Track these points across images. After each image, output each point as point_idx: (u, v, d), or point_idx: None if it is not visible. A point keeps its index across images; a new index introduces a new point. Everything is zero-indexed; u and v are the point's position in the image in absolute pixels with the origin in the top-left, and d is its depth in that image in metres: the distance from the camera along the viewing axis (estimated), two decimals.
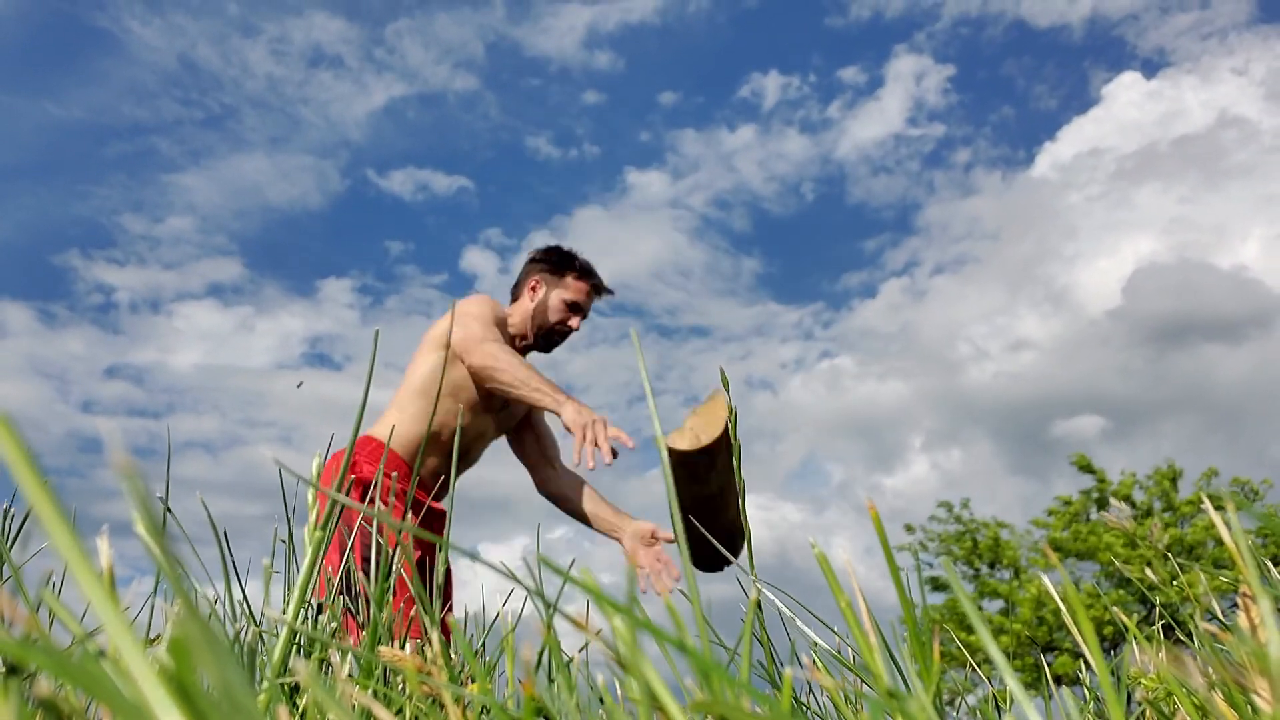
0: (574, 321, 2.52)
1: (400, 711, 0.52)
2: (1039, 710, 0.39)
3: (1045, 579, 0.54)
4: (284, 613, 0.58)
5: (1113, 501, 0.73)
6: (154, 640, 0.55)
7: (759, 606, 0.57)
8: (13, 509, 0.77)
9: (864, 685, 0.51)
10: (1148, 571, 0.73)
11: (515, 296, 2.57)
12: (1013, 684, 0.38)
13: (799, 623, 0.60)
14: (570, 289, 2.51)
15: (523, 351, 2.53)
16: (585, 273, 2.54)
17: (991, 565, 16.23)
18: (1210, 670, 0.46)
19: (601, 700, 0.57)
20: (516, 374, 2.21)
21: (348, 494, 2.12)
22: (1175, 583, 0.71)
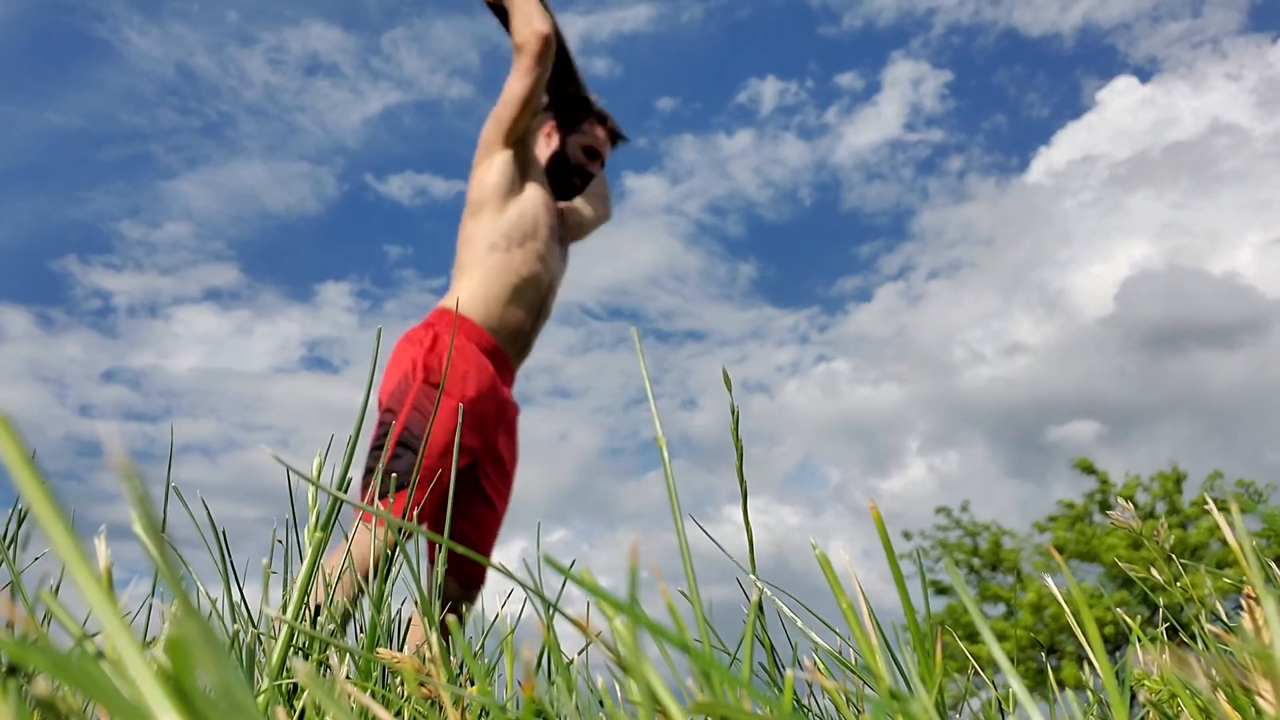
0: (595, 166, 2.45)
1: (399, 713, 0.52)
2: (1043, 713, 0.39)
3: (1049, 581, 0.53)
4: (283, 613, 0.58)
5: (1119, 502, 0.73)
6: (152, 641, 0.55)
7: (760, 608, 0.57)
8: (13, 509, 0.77)
9: (866, 687, 0.51)
10: (1152, 572, 0.73)
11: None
12: (1017, 686, 0.38)
13: (799, 624, 0.60)
14: (588, 135, 2.43)
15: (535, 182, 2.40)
16: (601, 119, 2.47)
17: (993, 569, 16.20)
18: (1214, 672, 0.46)
19: (602, 702, 0.57)
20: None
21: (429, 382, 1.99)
22: (1179, 584, 0.71)
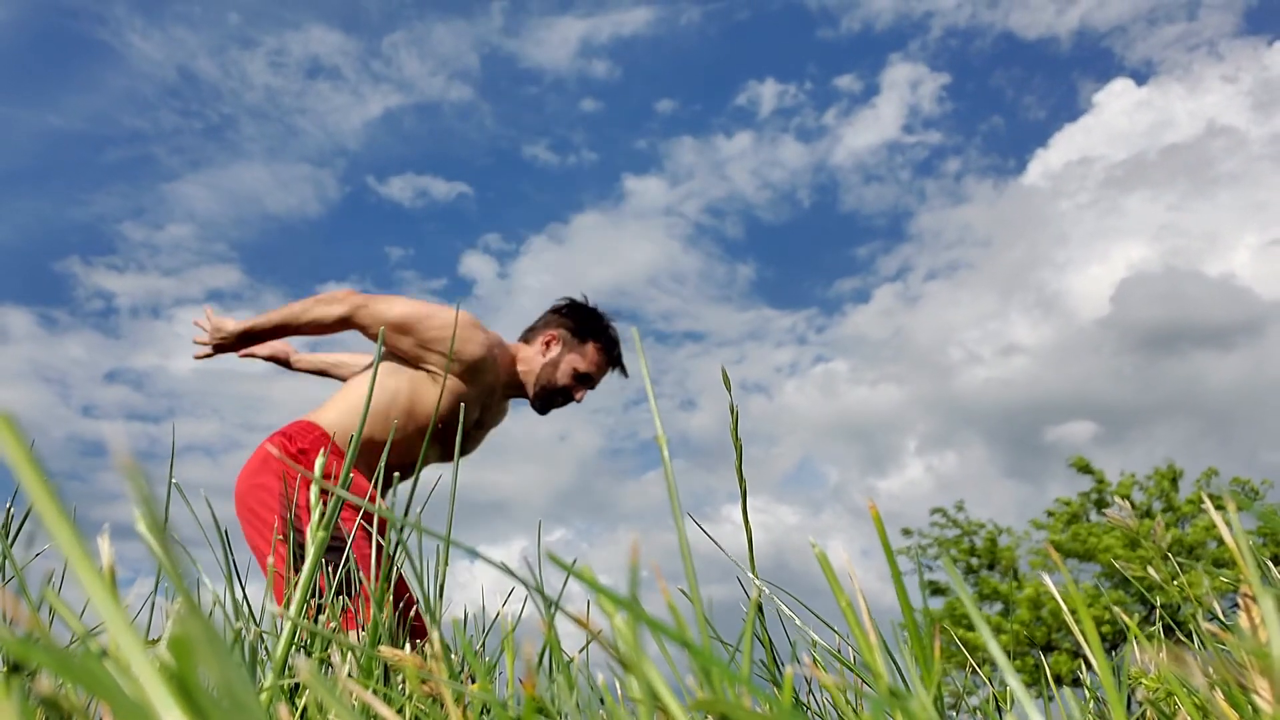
0: (580, 394, 2.27)
1: (401, 710, 0.52)
2: (1039, 710, 0.39)
3: (1047, 579, 0.54)
4: (285, 610, 0.58)
5: (1115, 500, 0.73)
6: (155, 640, 0.55)
7: (760, 606, 0.57)
8: (14, 508, 0.77)
9: (864, 685, 0.51)
10: (1149, 571, 0.73)
11: (527, 340, 2.32)
12: (1014, 684, 0.38)
13: (798, 622, 0.60)
14: (587, 358, 2.27)
15: (511, 396, 2.30)
16: (609, 345, 2.28)
17: (990, 567, 16.23)
18: (1211, 670, 0.46)
19: (602, 700, 0.57)
20: (300, 305, 2.04)
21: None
22: (1176, 583, 0.71)
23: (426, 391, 2.17)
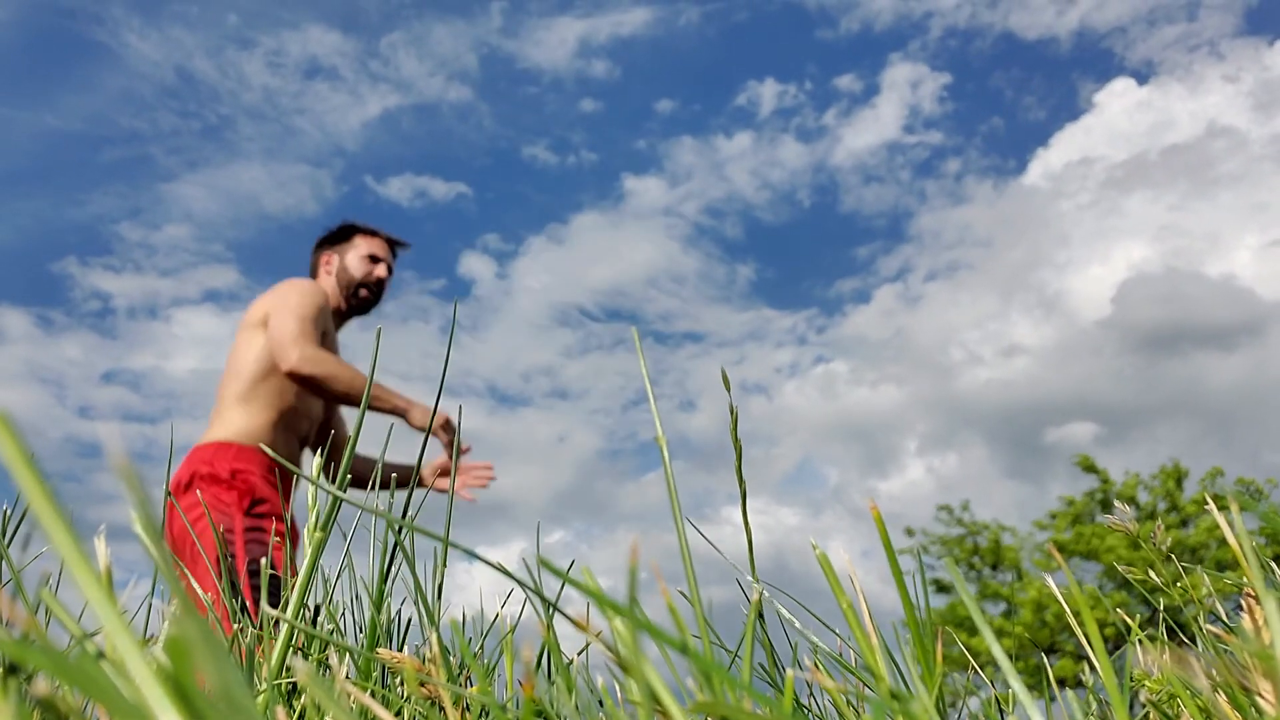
0: (380, 269, 2.55)
1: (399, 713, 0.52)
2: (1042, 712, 0.39)
3: (1049, 580, 0.53)
4: (283, 613, 0.58)
5: (1116, 504, 0.73)
6: (152, 641, 0.55)
7: (760, 608, 0.57)
8: (10, 509, 0.77)
9: (865, 688, 0.51)
10: (1150, 574, 0.73)
11: (316, 278, 2.56)
12: (1017, 686, 0.38)
13: (798, 624, 0.60)
14: (363, 246, 2.57)
15: (343, 321, 2.55)
16: (368, 229, 2.59)
17: (993, 567, 16.23)
18: (1214, 672, 0.46)
19: (601, 702, 0.57)
20: (349, 380, 2.18)
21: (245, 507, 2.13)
22: (1179, 584, 0.71)
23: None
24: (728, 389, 0.58)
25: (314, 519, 0.60)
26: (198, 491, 2.15)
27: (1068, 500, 16.16)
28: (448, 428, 2.32)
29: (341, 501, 0.59)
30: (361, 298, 2.54)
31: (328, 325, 2.41)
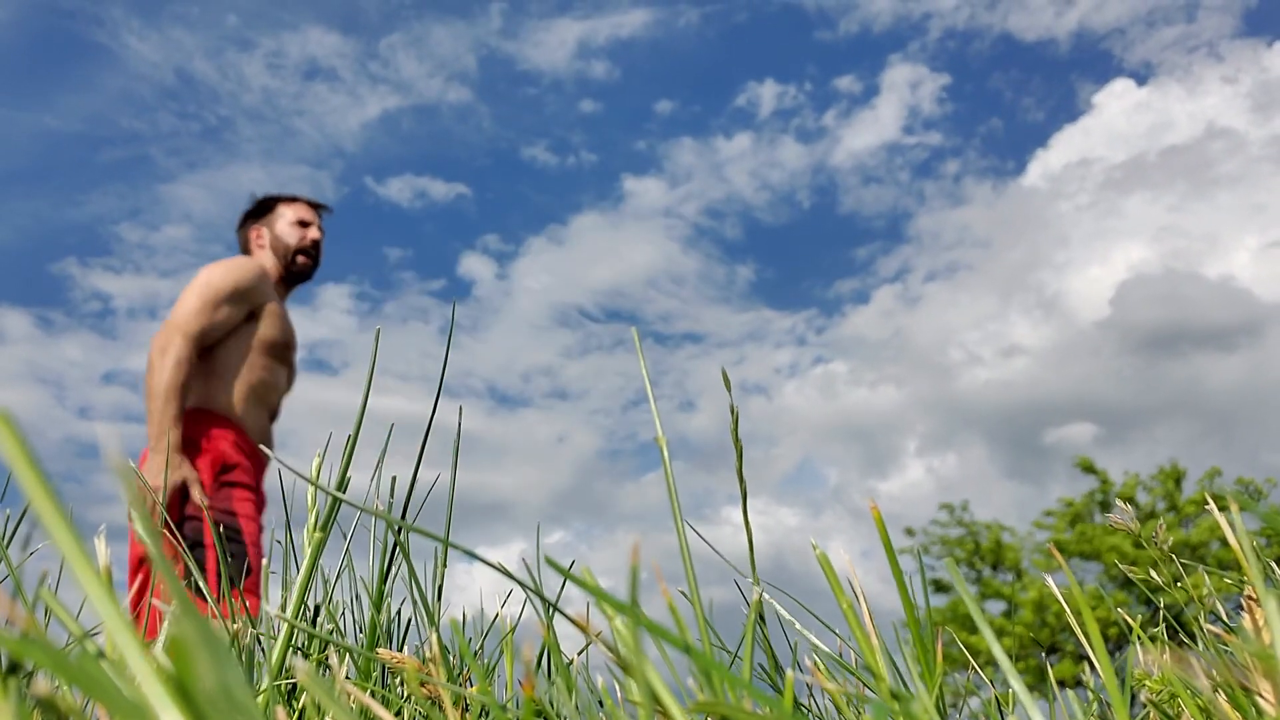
0: (312, 232, 2.59)
1: (399, 713, 0.52)
2: (1042, 712, 0.39)
3: (1049, 580, 0.53)
4: (283, 612, 0.58)
5: (1117, 503, 0.73)
6: (151, 641, 0.55)
7: (760, 608, 0.57)
8: (9, 508, 0.77)
9: (866, 688, 0.51)
10: (1151, 574, 0.73)
11: (250, 253, 2.58)
12: (1017, 685, 0.38)
13: (798, 625, 0.60)
14: (287, 214, 2.60)
15: (287, 291, 2.57)
16: (289, 196, 2.63)
17: (994, 567, 16.23)
18: (1215, 672, 0.46)
19: (601, 702, 0.57)
20: (162, 405, 2.15)
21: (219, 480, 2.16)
22: (1179, 584, 0.71)
23: (250, 334, 2.41)
24: (728, 389, 0.58)
25: (313, 519, 0.60)
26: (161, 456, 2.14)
27: (1066, 502, 16.16)
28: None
29: (341, 501, 0.59)
30: (300, 263, 2.57)
31: (266, 298, 2.44)
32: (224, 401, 2.32)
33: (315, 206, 2.66)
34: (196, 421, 2.27)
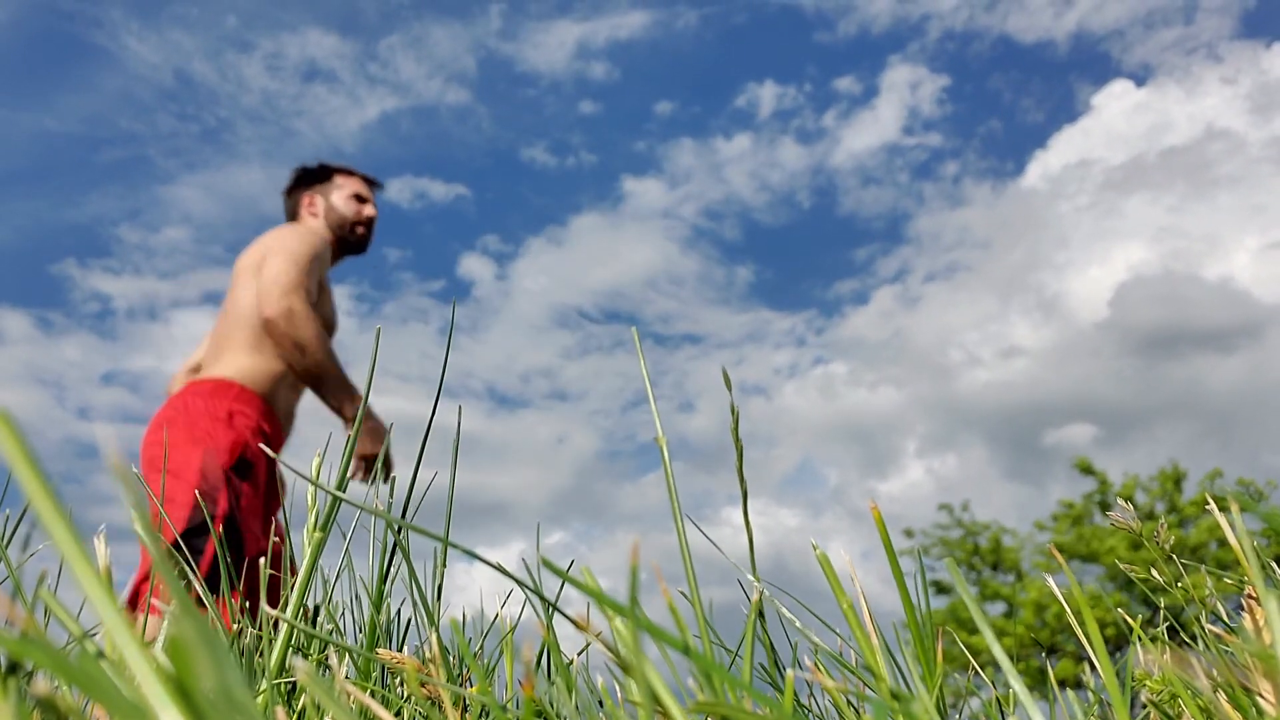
0: (368, 209, 2.53)
1: (399, 713, 0.52)
2: (1043, 713, 0.39)
3: (1049, 580, 0.53)
4: (282, 612, 0.58)
5: (1118, 502, 0.73)
6: (151, 641, 0.55)
7: (760, 608, 0.57)
8: (9, 508, 0.77)
9: (866, 688, 0.51)
10: (1152, 573, 0.73)
11: (299, 219, 2.50)
12: (1017, 686, 0.38)
13: (798, 624, 0.60)
14: (347, 186, 2.50)
15: (335, 261, 2.49)
16: (343, 167, 2.56)
17: (994, 568, 16.23)
18: (1215, 672, 0.46)
19: (601, 702, 0.57)
20: (319, 359, 2.08)
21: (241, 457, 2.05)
22: (1179, 584, 0.71)
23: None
24: (729, 389, 0.58)
25: (313, 519, 0.60)
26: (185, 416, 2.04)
27: (1066, 504, 16.15)
28: (377, 437, 2.19)
29: (341, 501, 0.59)
30: (358, 235, 2.48)
31: (324, 271, 2.36)
32: (262, 378, 2.19)
33: (370, 183, 2.56)
34: (224, 392, 2.13)
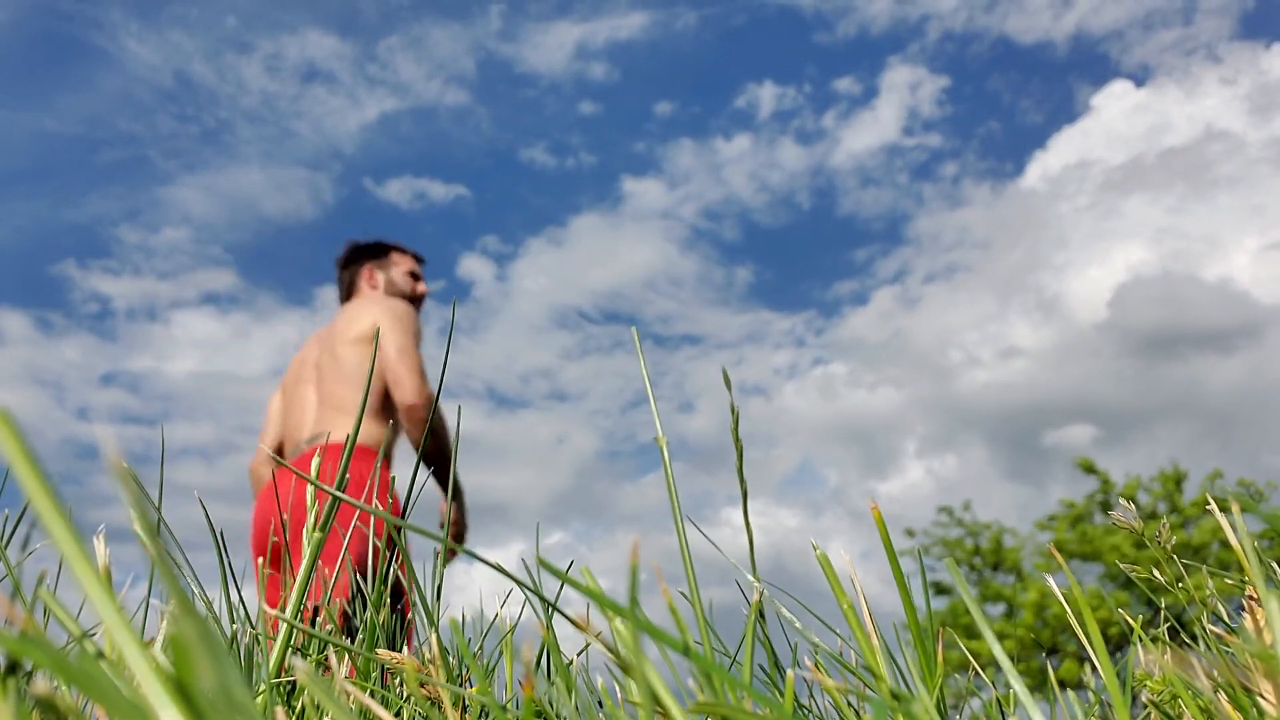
0: (422, 286, 2.67)
1: (399, 713, 0.52)
2: (1044, 713, 0.39)
3: (1050, 581, 0.53)
4: (282, 613, 0.58)
5: (1120, 502, 0.73)
6: (150, 641, 0.55)
7: (760, 609, 0.57)
8: (8, 508, 0.77)
9: (866, 688, 0.51)
10: (1154, 573, 0.73)
11: (352, 295, 2.66)
12: (1018, 686, 0.38)
13: (798, 625, 0.60)
14: (402, 264, 2.66)
15: None
16: (397, 244, 2.70)
17: (994, 568, 16.23)
18: (1216, 673, 0.46)
19: (601, 703, 0.57)
20: (446, 449, 2.22)
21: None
22: (1181, 585, 0.71)
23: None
24: (729, 389, 0.58)
25: (313, 519, 0.60)
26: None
27: (1068, 504, 16.15)
28: (463, 518, 2.37)
29: (340, 501, 0.59)
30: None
31: None
32: (384, 446, 2.32)
33: (420, 260, 2.73)
34: (368, 461, 2.26)
